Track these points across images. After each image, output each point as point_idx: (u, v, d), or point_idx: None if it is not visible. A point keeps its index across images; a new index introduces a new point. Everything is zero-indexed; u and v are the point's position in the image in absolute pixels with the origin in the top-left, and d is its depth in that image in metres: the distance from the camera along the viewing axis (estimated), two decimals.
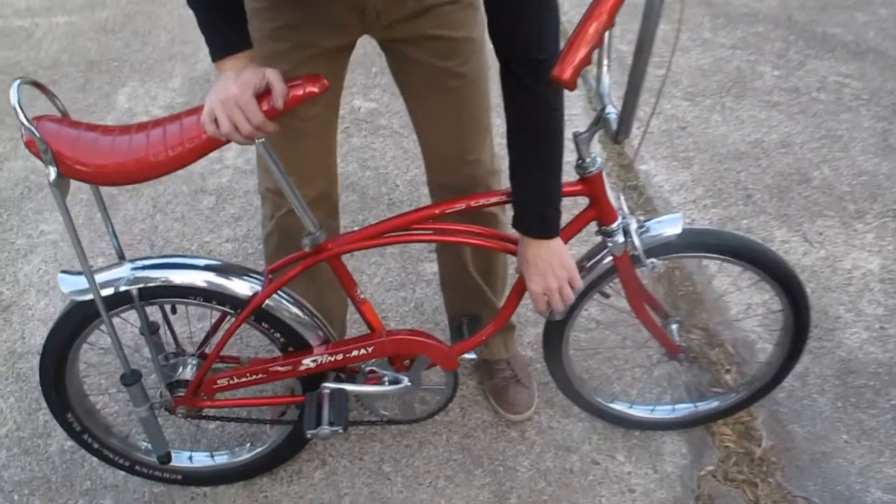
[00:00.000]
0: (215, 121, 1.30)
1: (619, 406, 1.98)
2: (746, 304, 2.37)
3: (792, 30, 4.01)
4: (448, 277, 2.03)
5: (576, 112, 3.37)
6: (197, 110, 1.35)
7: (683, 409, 2.01)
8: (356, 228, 1.57)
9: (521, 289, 1.65)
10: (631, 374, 2.18)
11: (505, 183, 1.54)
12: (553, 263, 1.52)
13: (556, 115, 1.39)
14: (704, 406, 2.00)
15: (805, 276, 2.48)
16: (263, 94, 1.31)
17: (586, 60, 1.04)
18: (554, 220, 1.49)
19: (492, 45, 1.36)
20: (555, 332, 1.78)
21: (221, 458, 1.92)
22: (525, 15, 1.28)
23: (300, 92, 1.32)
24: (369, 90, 3.48)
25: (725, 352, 2.24)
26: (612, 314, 2.34)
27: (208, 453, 1.92)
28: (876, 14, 4.20)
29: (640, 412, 2.00)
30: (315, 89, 1.32)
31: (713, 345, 2.26)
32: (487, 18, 1.33)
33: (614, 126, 1.41)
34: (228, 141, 1.34)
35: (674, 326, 1.83)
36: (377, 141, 3.15)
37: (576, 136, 1.48)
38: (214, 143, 1.35)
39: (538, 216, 1.49)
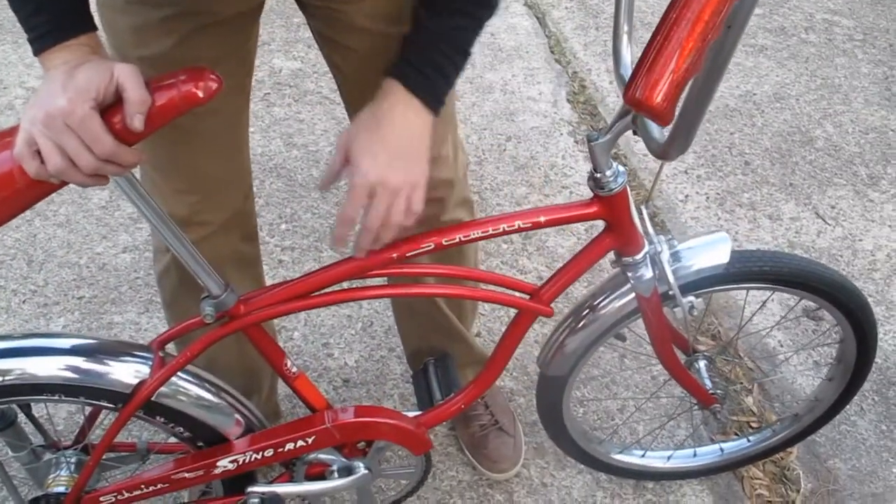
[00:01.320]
0: (38, 152, 0.81)
1: (629, 458, 1.57)
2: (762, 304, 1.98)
3: None
4: (403, 306, 1.58)
5: (545, 97, 2.89)
6: (11, 134, 0.85)
7: (707, 453, 1.61)
8: (278, 282, 1.09)
9: (514, 338, 1.21)
10: (643, 417, 1.77)
11: (482, 210, 1.07)
12: (412, 148, 0.96)
13: None
14: (732, 448, 1.61)
15: (823, 262, 2.09)
16: (115, 104, 0.82)
17: (685, 79, 0.59)
18: (447, 83, 0.97)
19: None
20: (553, 388, 1.35)
21: None
22: None
23: (172, 98, 0.83)
24: (291, 46, 2.93)
25: (744, 367, 1.85)
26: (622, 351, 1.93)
27: None
28: None
29: (654, 461, 1.60)
30: (199, 92, 0.84)
31: (729, 359, 1.86)
32: None
33: (655, 131, 0.95)
34: (64, 183, 0.85)
35: (701, 364, 1.41)
36: (304, 110, 2.63)
37: (590, 139, 1.02)
38: (42, 189, 0.87)
39: (433, 63, 0.95)
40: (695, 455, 1.61)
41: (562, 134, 2.52)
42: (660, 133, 0.93)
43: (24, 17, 0.85)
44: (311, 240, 2.14)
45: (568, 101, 2.68)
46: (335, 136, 2.52)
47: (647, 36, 0.79)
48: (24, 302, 2.00)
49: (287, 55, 2.89)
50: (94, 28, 0.89)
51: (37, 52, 0.86)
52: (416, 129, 0.97)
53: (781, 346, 1.89)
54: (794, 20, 3.13)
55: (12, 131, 0.85)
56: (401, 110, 0.95)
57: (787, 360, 1.85)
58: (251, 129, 2.49)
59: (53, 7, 0.85)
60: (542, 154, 2.44)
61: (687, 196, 2.29)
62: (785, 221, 2.21)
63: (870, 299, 1.97)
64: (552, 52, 2.95)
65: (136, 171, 0.95)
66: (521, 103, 2.66)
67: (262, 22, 1.16)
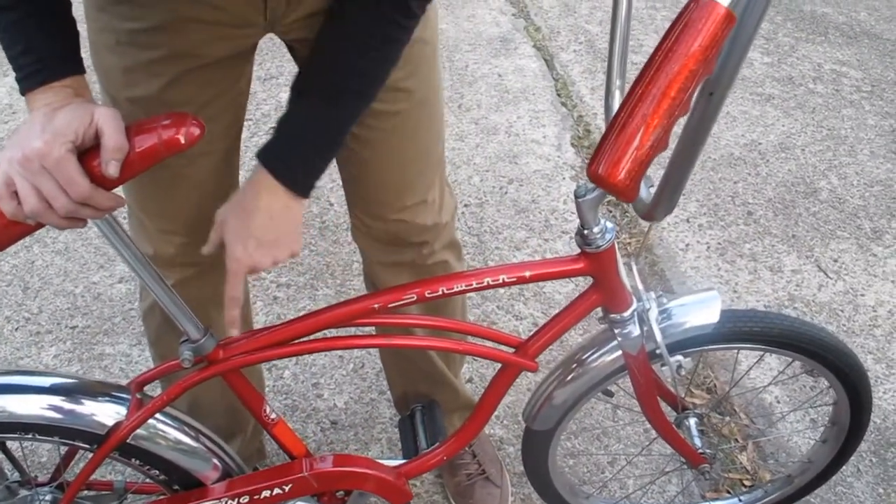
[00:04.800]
0: (16, 193, 0.81)
1: None
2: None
3: (778, 9, 3.58)
4: (388, 351, 1.56)
5: (550, 143, 2.89)
6: None
7: None
8: (260, 328, 1.08)
9: (498, 391, 1.19)
10: (634, 472, 1.74)
11: (481, 253, 1.06)
12: (280, 232, 1.00)
13: (401, 42, 0.96)
14: None
15: (823, 317, 2.07)
16: (96, 147, 0.82)
17: (650, 157, 0.58)
18: (315, 174, 0.99)
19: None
20: (539, 443, 1.33)
21: None
22: None
23: (153, 144, 0.83)
24: None
25: (739, 423, 1.82)
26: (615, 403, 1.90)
27: None
28: None
29: None
30: (180, 138, 0.83)
31: (723, 414, 1.83)
32: None
33: (641, 191, 0.94)
34: (41, 225, 0.85)
35: (691, 422, 1.38)
36: None
37: (578, 195, 1.01)
38: (18, 230, 0.86)
39: (299, 152, 0.97)
40: None
41: (564, 178, 2.51)
42: (646, 193, 0.92)
43: (12, 57, 0.86)
44: (307, 277, 2.14)
45: (572, 144, 2.68)
46: (336, 173, 2.52)
47: None
48: (16, 329, 1.99)
49: None
50: (81, 71, 0.89)
51: (23, 92, 0.87)
52: (283, 215, 0.99)
53: (778, 402, 1.86)
54: (803, 70, 3.13)
55: None
56: (266, 198, 0.97)
57: (783, 417, 1.82)
58: (254, 163, 2.50)
59: (41, 49, 0.86)
60: (544, 198, 2.43)
61: (688, 245, 2.28)
62: (786, 274, 2.19)
63: (870, 356, 1.96)
64: (559, 95, 2.96)
65: (121, 212, 0.95)
66: (525, 146, 2.66)
67: (271, 56, 1.15)
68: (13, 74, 0.87)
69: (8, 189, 0.81)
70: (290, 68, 2.98)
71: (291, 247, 1.02)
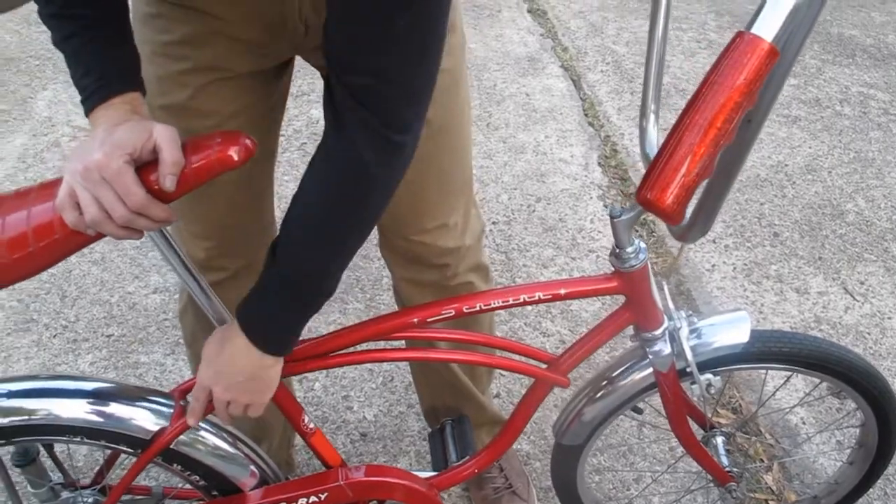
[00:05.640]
0: (78, 204, 0.85)
1: None
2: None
3: None
4: (416, 363, 1.59)
5: (578, 160, 2.92)
6: (55, 186, 0.89)
7: None
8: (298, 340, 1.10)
9: (530, 406, 1.22)
10: (659, 489, 1.76)
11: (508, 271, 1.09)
12: (242, 378, 1.01)
13: (382, 194, 0.91)
14: None
15: (850, 340, 2.07)
16: (153, 163, 0.86)
17: (696, 183, 0.61)
18: (278, 334, 0.99)
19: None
20: (568, 457, 1.35)
21: None
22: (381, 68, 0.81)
23: (208, 160, 0.87)
24: None
25: (764, 443, 1.82)
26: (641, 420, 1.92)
27: None
28: (893, 14, 3.80)
29: None
30: (233, 155, 0.88)
31: (749, 434, 1.84)
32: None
33: None
34: (100, 235, 0.89)
35: (718, 441, 1.40)
36: None
37: (613, 215, 1.04)
38: (78, 240, 0.90)
39: (264, 313, 0.97)
40: None
41: (591, 197, 2.54)
42: None
43: (76, 80, 0.91)
44: (337, 291, 2.16)
45: (599, 164, 2.70)
46: None
47: (682, 103, 0.80)
48: (54, 336, 2.04)
49: None
50: (139, 89, 0.93)
51: (87, 113, 0.91)
52: (248, 366, 1.00)
53: (804, 423, 1.86)
54: (829, 92, 3.14)
55: (55, 183, 0.90)
56: (235, 343, 0.98)
57: (809, 438, 1.83)
58: (286, 178, 2.55)
59: (102, 69, 0.91)
60: (571, 217, 2.46)
61: (714, 265, 2.29)
62: (812, 296, 2.20)
63: None
64: (586, 114, 2.99)
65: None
66: (553, 165, 2.69)
67: (302, 73, 1.19)
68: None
69: (70, 200, 0.86)
70: (321, 86, 3.03)
71: (248, 396, 1.03)
